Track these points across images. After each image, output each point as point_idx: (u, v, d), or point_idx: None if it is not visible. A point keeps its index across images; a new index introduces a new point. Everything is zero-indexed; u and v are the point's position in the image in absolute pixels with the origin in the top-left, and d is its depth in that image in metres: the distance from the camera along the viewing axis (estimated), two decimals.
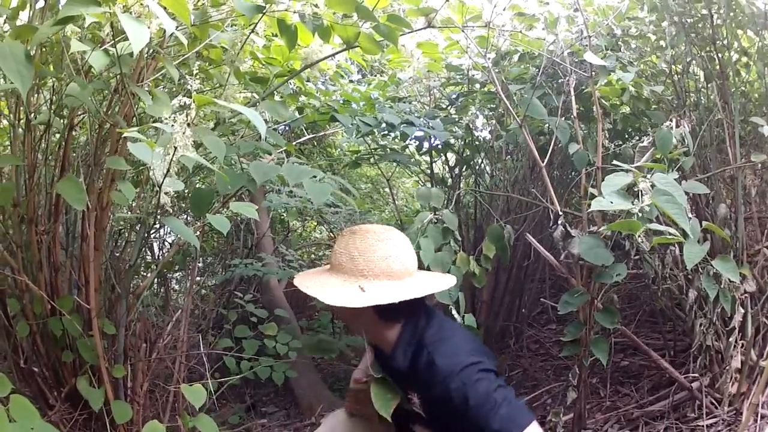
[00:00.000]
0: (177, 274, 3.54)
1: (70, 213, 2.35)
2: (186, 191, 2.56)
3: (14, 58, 1.22)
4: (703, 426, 2.44)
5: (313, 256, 4.70)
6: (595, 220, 2.41)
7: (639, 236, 2.17)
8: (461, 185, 3.65)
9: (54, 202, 2.16)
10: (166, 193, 1.61)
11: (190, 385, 1.94)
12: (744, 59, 3.02)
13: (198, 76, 1.74)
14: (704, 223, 2.16)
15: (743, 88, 3.11)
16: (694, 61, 2.96)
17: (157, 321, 2.71)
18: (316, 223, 5.20)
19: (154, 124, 1.43)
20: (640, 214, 1.89)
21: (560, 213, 2.33)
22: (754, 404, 2.19)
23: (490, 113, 3.33)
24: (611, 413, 2.86)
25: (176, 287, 3.39)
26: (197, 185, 2.59)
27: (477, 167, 3.67)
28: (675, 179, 2.01)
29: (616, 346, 3.42)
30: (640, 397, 2.94)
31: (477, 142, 3.44)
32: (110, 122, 1.96)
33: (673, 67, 3.02)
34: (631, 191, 2.01)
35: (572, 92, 2.48)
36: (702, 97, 3.00)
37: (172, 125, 1.38)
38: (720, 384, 2.48)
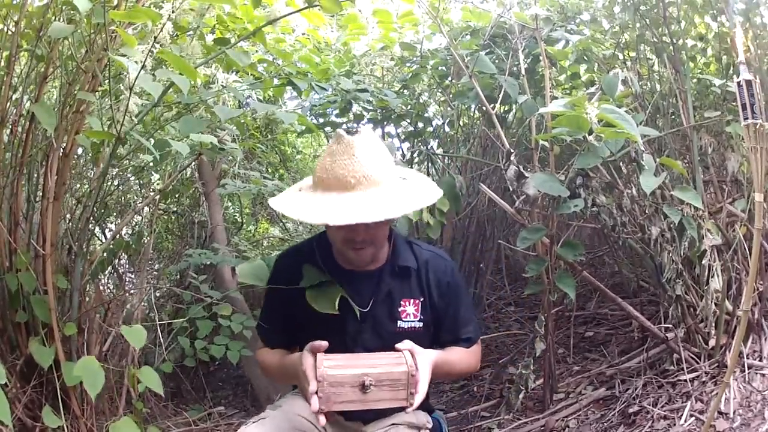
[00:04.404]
0: (132, 275, 3.64)
1: (32, 171, 2.48)
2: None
3: None
4: (685, 380, 2.57)
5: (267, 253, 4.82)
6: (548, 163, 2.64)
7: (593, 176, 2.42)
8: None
9: (21, 156, 2.31)
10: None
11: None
12: (700, 44, 3.36)
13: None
14: (659, 159, 2.39)
15: (700, 73, 3.45)
16: (644, 43, 3.27)
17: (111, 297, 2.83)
18: (268, 225, 5.37)
19: (141, 9, 1.65)
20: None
21: (512, 150, 2.55)
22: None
23: (442, 99, 3.62)
24: (582, 375, 3.03)
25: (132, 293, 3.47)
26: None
27: (429, 146, 4.00)
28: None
29: (578, 318, 3.65)
30: (611, 359, 3.11)
31: (430, 126, 3.75)
32: (84, 70, 2.17)
33: (626, 52, 3.34)
34: None
35: (520, 50, 2.77)
36: (656, 80, 3.30)
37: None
38: (703, 334, 2.63)
